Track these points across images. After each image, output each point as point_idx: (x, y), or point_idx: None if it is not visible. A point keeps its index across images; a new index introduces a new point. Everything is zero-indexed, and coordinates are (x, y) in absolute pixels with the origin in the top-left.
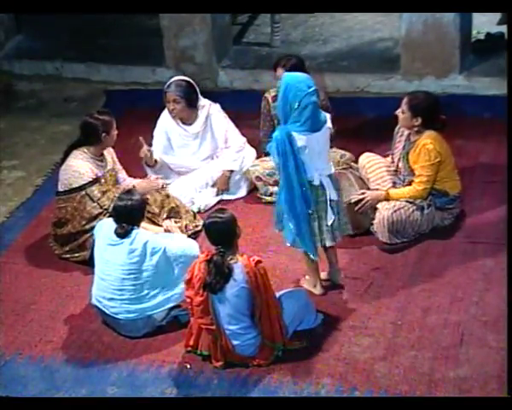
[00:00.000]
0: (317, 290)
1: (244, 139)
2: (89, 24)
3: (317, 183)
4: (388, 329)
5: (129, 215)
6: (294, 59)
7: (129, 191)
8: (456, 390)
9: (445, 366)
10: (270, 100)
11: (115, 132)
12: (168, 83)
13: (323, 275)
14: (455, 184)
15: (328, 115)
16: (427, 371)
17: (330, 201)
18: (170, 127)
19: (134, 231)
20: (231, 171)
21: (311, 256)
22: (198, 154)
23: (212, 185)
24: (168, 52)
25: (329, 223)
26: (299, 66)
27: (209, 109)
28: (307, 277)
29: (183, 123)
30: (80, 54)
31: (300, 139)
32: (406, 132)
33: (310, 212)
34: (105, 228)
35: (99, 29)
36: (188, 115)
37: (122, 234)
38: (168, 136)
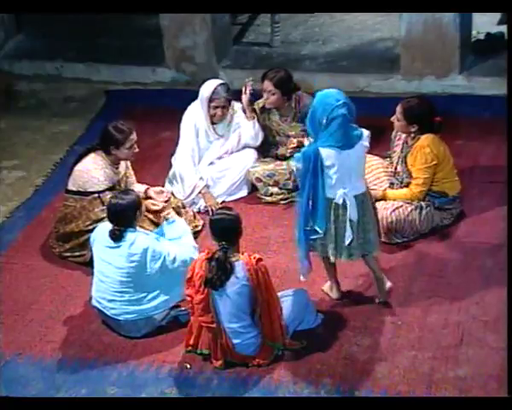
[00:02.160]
0: (334, 294)
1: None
2: (89, 24)
3: (339, 201)
4: (388, 329)
5: (120, 215)
6: (282, 72)
7: (124, 191)
8: (456, 390)
9: (445, 366)
10: (257, 111)
11: (131, 145)
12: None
13: (333, 290)
14: (454, 184)
15: (367, 132)
16: (427, 371)
17: (350, 221)
18: (199, 125)
19: (133, 234)
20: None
21: (301, 272)
22: (218, 154)
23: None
24: (168, 52)
25: (347, 243)
26: (285, 79)
27: (233, 107)
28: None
29: (213, 123)
30: (80, 54)
31: (329, 157)
32: (404, 135)
33: (321, 231)
34: (102, 230)
35: (99, 29)
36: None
37: (115, 238)
38: (197, 137)
